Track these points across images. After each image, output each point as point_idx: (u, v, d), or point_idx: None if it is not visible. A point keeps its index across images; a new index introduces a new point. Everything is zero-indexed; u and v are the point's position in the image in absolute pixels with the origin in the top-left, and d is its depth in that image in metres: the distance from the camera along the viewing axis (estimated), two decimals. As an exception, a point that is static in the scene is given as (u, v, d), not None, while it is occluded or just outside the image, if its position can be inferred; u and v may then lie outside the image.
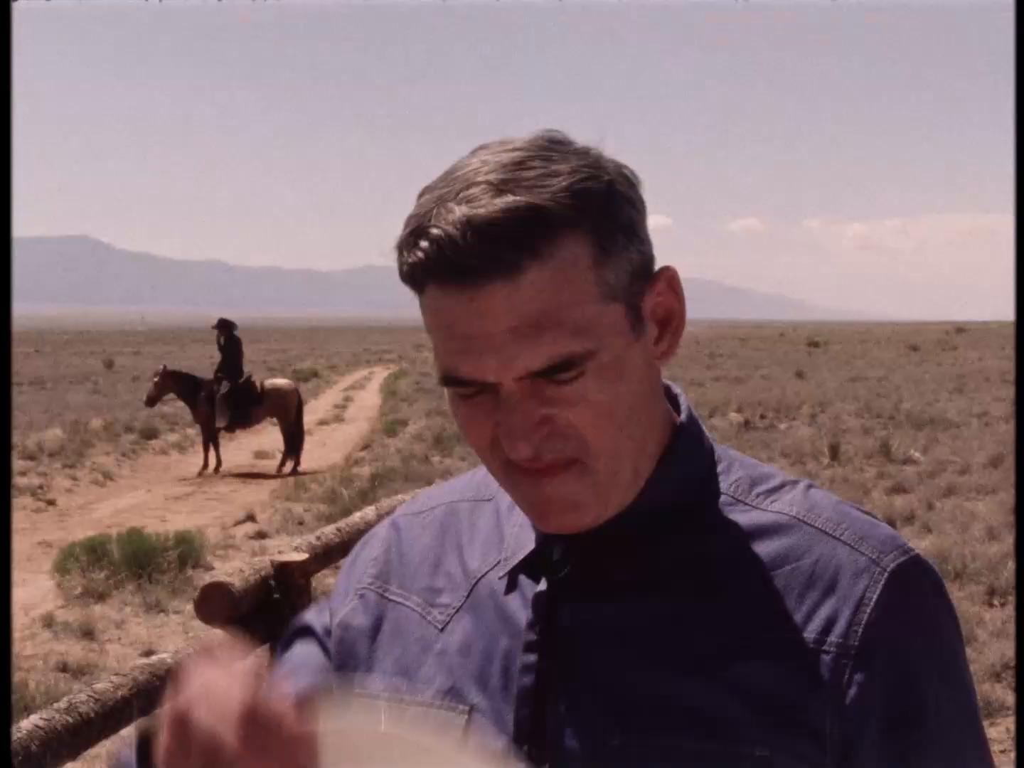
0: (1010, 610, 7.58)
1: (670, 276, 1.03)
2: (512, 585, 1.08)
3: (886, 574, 0.99)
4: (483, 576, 1.10)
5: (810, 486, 1.08)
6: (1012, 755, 5.36)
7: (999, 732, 5.68)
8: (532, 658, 1.03)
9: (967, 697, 1.02)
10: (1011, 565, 8.37)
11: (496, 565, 1.10)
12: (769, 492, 1.06)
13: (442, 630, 1.09)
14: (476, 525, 1.15)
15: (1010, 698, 5.98)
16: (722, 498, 1.06)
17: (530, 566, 1.07)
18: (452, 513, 1.17)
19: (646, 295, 1.02)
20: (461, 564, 1.12)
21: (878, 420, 21.00)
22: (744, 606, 1.00)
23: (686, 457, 1.07)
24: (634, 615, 1.02)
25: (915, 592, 1.00)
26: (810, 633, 0.98)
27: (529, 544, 1.08)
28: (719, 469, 1.08)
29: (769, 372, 37.54)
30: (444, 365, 0.99)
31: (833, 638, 0.97)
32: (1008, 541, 9.35)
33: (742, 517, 1.04)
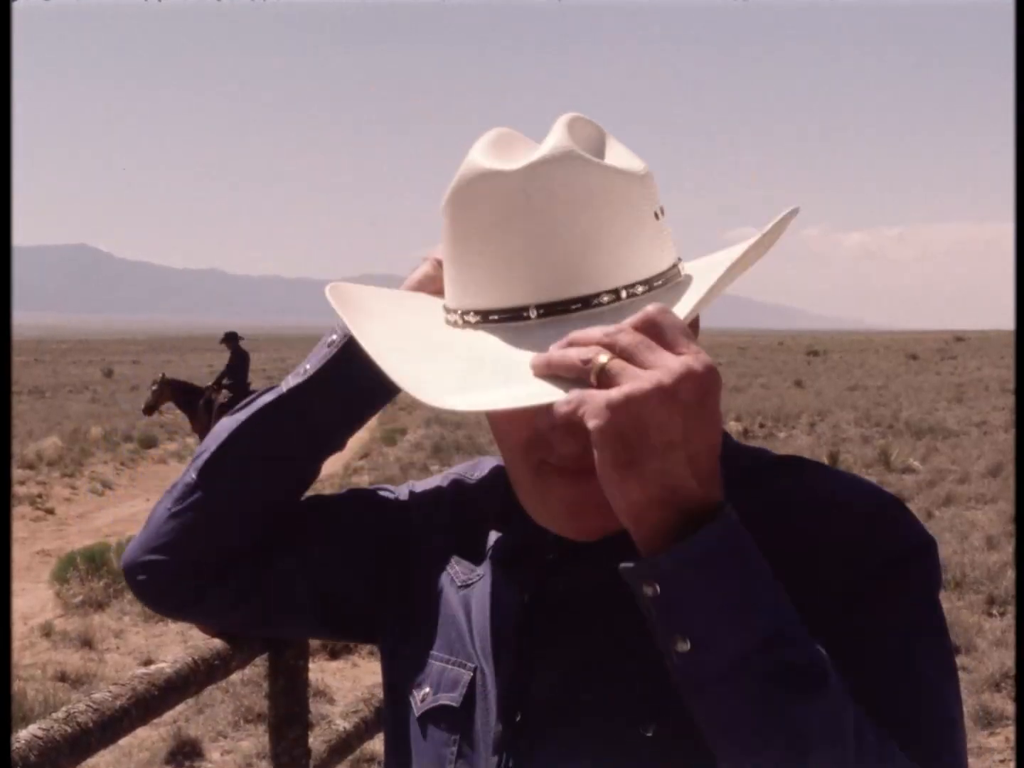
0: (1009, 619, 7.58)
1: (695, 323, 1.11)
2: (516, 558, 1.16)
3: (875, 511, 1.06)
4: (495, 548, 1.19)
5: (804, 462, 1.14)
6: (1012, 765, 5.35)
7: (998, 742, 5.67)
8: (528, 625, 1.11)
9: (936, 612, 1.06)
10: (1010, 574, 8.37)
11: (508, 540, 1.18)
12: (765, 472, 1.12)
13: (461, 591, 1.19)
14: (493, 506, 1.22)
15: (1009, 708, 5.97)
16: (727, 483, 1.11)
17: (533, 545, 1.14)
18: (492, 487, 1.25)
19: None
20: (480, 538, 1.21)
21: (877, 429, 21.01)
22: None
23: None
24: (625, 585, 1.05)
25: (904, 521, 1.06)
26: (808, 595, 1.01)
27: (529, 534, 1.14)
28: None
29: (768, 381, 37.56)
30: None
31: (830, 581, 1.03)
32: (1007, 550, 9.35)
33: (740, 497, 1.07)
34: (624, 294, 1.00)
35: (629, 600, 1.01)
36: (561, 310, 0.99)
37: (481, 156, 1.02)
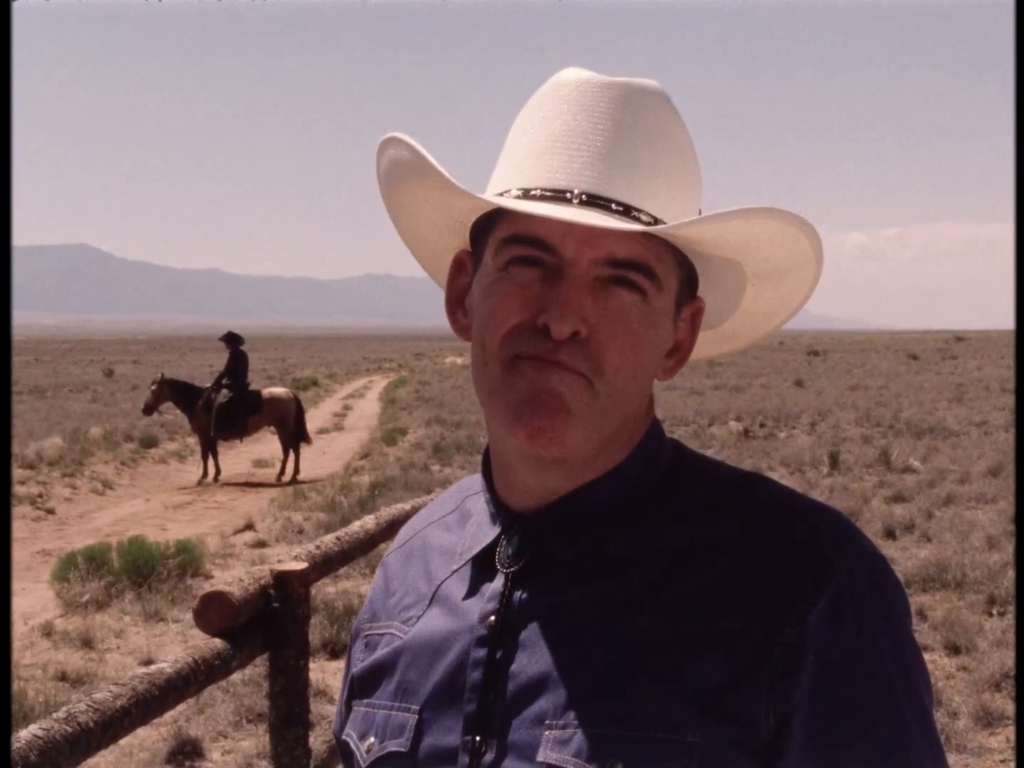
0: (1010, 619, 7.57)
1: (698, 309, 1.12)
2: (469, 580, 1.12)
3: (836, 577, 1.01)
4: (443, 582, 1.16)
5: (762, 481, 1.12)
6: (1012, 765, 5.35)
7: (999, 741, 5.67)
8: (482, 653, 1.07)
9: (913, 690, 1.02)
10: (1011, 574, 8.36)
11: (454, 571, 1.15)
12: (723, 490, 1.10)
13: (404, 636, 1.15)
14: (440, 540, 1.20)
15: (1010, 707, 5.96)
16: (679, 493, 1.10)
17: (486, 563, 1.12)
18: (423, 538, 1.23)
19: (684, 305, 1.10)
20: (427, 578, 1.18)
21: (878, 429, 20.99)
22: (692, 597, 1.02)
23: (649, 457, 1.12)
24: (585, 603, 1.05)
25: (860, 585, 1.01)
26: (755, 627, 1.00)
27: (486, 539, 1.13)
28: (681, 469, 1.12)
29: (768, 381, 37.55)
30: (521, 224, 1.03)
31: (776, 630, 0.99)
32: (1008, 550, 9.34)
33: (695, 513, 1.08)
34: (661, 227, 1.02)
35: (600, 622, 1.02)
36: (603, 204, 1.01)
37: (578, 69, 1.07)
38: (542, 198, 1.02)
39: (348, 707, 1.21)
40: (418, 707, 1.10)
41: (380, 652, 1.17)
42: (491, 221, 1.07)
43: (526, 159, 1.06)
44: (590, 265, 1.02)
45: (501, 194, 1.06)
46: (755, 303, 1.15)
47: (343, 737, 1.19)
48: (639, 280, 1.03)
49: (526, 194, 1.03)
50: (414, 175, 1.09)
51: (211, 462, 17.14)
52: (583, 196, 1.01)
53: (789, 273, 1.10)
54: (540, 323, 1.01)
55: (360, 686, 1.19)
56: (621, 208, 1.01)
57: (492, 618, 1.07)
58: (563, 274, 1.01)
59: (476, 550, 1.13)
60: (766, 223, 1.02)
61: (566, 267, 1.02)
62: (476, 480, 1.20)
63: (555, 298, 1.01)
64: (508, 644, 1.06)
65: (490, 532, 1.12)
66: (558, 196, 1.01)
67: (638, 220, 1.02)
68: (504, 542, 1.11)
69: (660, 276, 1.04)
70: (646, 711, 0.98)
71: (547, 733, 1.01)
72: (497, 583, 1.09)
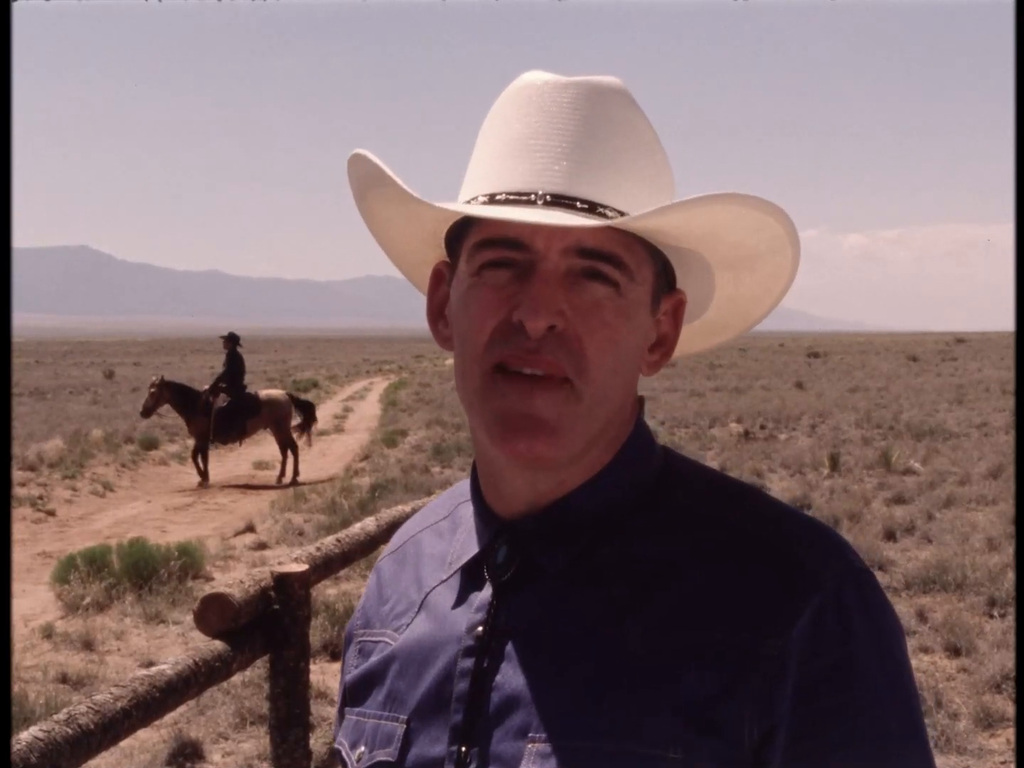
0: (1010, 621, 7.57)
1: (679, 302, 1.12)
2: (458, 589, 1.12)
3: (821, 588, 1.01)
4: (432, 590, 1.15)
5: (753, 492, 1.11)
6: (1012, 767, 5.35)
7: (999, 743, 5.68)
8: (469, 663, 1.07)
9: (903, 705, 1.01)
10: (1011, 576, 8.36)
11: (443, 580, 1.15)
12: (712, 500, 1.09)
13: (395, 644, 1.15)
14: (432, 547, 1.20)
15: (1010, 709, 5.96)
16: (668, 502, 1.09)
17: (474, 573, 1.11)
18: (416, 544, 1.23)
19: (664, 297, 1.10)
20: (417, 585, 1.17)
21: (878, 431, 20.99)
22: (678, 609, 1.02)
23: (637, 459, 1.11)
24: (571, 613, 1.04)
25: (846, 598, 1.01)
26: (739, 639, 0.99)
27: (474, 548, 1.12)
28: (670, 476, 1.12)
29: (769, 383, 37.54)
30: (491, 228, 1.03)
31: (761, 642, 0.99)
32: (1008, 552, 9.35)
33: (683, 522, 1.07)
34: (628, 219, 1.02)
35: (585, 633, 1.02)
36: (568, 203, 1.01)
37: (538, 72, 1.08)
38: (507, 202, 1.02)
39: (342, 715, 1.21)
40: (406, 717, 1.10)
41: (372, 660, 1.17)
42: (463, 229, 1.07)
43: (490, 165, 1.06)
44: (560, 257, 1.02)
45: (468, 202, 1.06)
46: (737, 288, 1.15)
47: (336, 745, 1.19)
48: (610, 272, 1.02)
49: (492, 199, 1.03)
50: (378, 188, 1.10)
51: (210, 464, 17.12)
52: (547, 197, 1.01)
53: (765, 257, 1.09)
54: (515, 319, 1.01)
55: (352, 694, 1.19)
56: (586, 206, 1.01)
57: (480, 628, 1.07)
58: (535, 270, 1.02)
59: (464, 559, 1.13)
60: (729, 208, 1.01)
61: (538, 262, 1.02)
62: (468, 486, 1.20)
63: (528, 293, 1.01)
64: (495, 655, 1.06)
65: (478, 542, 1.12)
66: (523, 199, 1.02)
67: (603, 216, 1.02)
68: (493, 552, 1.10)
69: (631, 267, 1.04)
70: (629, 724, 0.98)
71: (530, 746, 1.00)
72: (485, 593, 1.09)
